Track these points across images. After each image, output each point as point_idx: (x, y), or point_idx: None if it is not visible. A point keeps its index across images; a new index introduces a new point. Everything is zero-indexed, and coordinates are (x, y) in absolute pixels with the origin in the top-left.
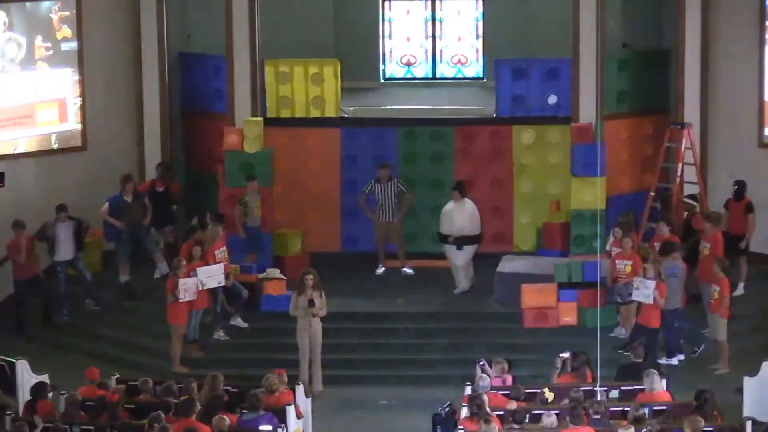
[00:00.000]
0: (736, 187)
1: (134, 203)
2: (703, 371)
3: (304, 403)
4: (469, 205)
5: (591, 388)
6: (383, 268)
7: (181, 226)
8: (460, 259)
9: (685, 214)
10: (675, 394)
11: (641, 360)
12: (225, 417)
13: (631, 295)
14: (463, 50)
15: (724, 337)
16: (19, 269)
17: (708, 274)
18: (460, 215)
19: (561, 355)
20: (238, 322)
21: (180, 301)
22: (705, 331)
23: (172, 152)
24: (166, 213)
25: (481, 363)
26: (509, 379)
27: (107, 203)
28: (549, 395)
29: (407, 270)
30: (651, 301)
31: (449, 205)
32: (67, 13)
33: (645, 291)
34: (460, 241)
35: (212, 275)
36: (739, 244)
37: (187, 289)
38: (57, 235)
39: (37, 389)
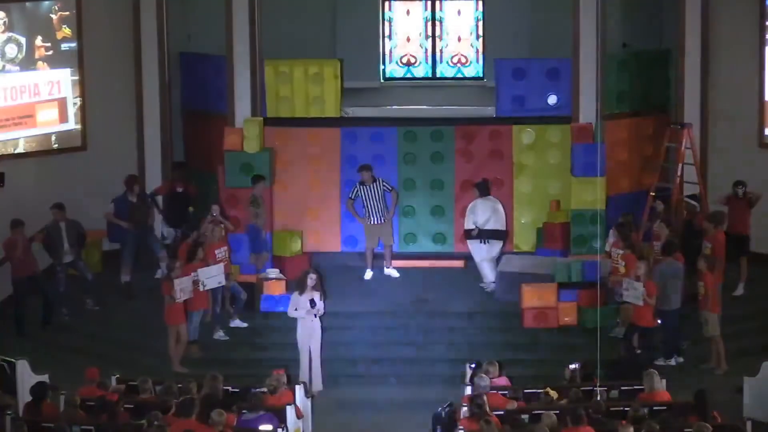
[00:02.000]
0: (742, 188)
1: (139, 204)
2: (702, 371)
3: (304, 403)
4: (493, 200)
5: (591, 388)
6: (372, 273)
7: (195, 226)
8: (485, 253)
9: (686, 213)
10: (674, 394)
11: (635, 354)
12: (223, 411)
13: (623, 296)
14: (463, 50)
15: (717, 332)
16: (17, 267)
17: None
18: (484, 209)
19: (570, 366)
20: (237, 323)
21: (177, 301)
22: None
23: (172, 152)
24: (185, 214)
25: (473, 365)
26: (501, 380)
27: (112, 204)
28: (552, 394)
29: (392, 272)
30: (641, 303)
31: (474, 201)
32: (67, 13)
33: (634, 292)
34: (484, 234)
35: (213, 276)
36: (744, 244)
37: (183, 288)
38: (60, 238)
39: (39, 390)
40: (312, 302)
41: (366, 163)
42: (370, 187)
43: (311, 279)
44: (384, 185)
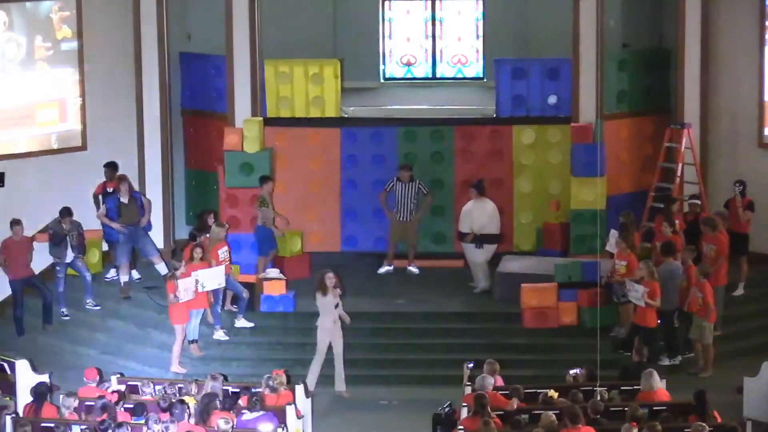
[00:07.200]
0: (741, 187)
1: (130, 204)
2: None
3: (304, 403)
4: (489, 204)
5: (591, 388)
6: (387, 267)
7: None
8: (479, 257)
9: (690, 214)
10: (674, 394)
11: (644, 360)
12: (228, 418)
13: (625, 295)
14: (463, 50)
15: (710, 340)
16: (15, 269)
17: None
18: (480, 214)
19: (572, 371)
20: (243, 323)
21: (181, 301)
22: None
23: (172, 152)
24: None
25: (470, 365)
26: (499, 380)
27: (104, 205)
28: (553, 394)
29: (413, 269)
30: (642, 304)
31: (469, 204)
32: (67, 13)
33: (635, 294)
34: (480, 240)
35: (212, 277)
36: (744, 243)
37: (186, 288)
38: (64, 237)
39: (39, 390)
40: (338, 305)
41: (407, 163)
42: (405, 184)
43: (329, 279)
44: (420, 186)
